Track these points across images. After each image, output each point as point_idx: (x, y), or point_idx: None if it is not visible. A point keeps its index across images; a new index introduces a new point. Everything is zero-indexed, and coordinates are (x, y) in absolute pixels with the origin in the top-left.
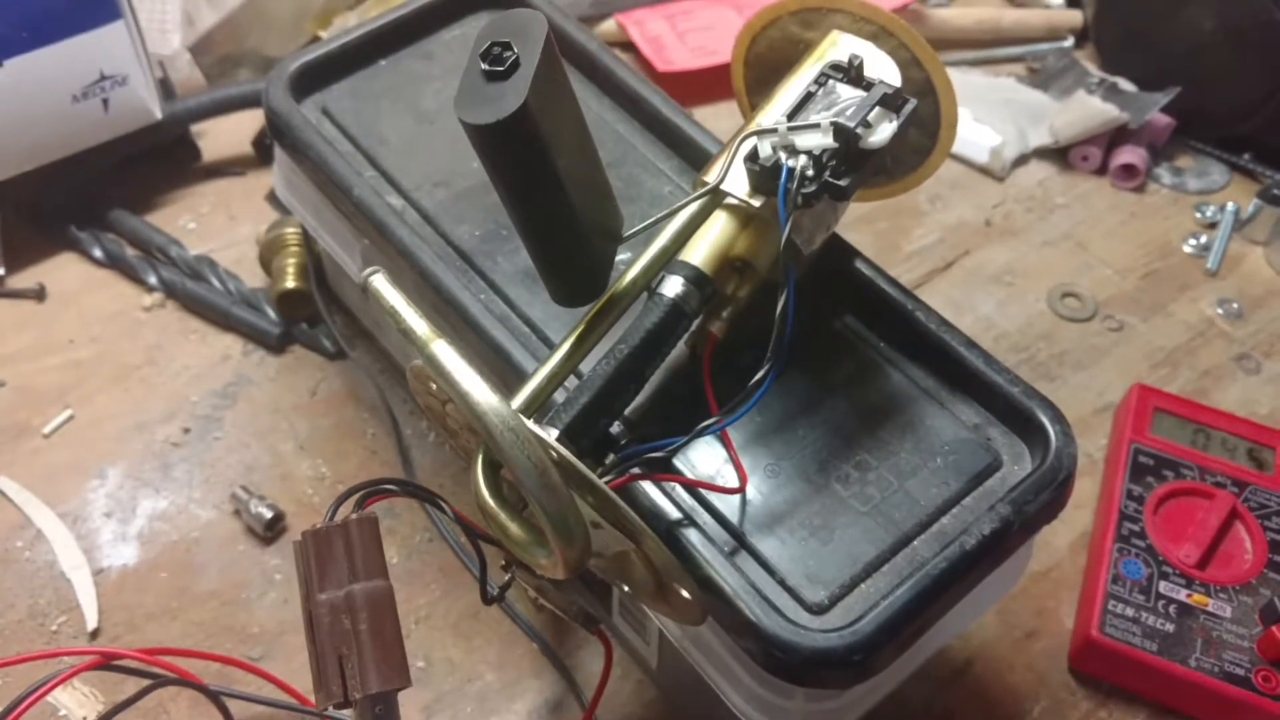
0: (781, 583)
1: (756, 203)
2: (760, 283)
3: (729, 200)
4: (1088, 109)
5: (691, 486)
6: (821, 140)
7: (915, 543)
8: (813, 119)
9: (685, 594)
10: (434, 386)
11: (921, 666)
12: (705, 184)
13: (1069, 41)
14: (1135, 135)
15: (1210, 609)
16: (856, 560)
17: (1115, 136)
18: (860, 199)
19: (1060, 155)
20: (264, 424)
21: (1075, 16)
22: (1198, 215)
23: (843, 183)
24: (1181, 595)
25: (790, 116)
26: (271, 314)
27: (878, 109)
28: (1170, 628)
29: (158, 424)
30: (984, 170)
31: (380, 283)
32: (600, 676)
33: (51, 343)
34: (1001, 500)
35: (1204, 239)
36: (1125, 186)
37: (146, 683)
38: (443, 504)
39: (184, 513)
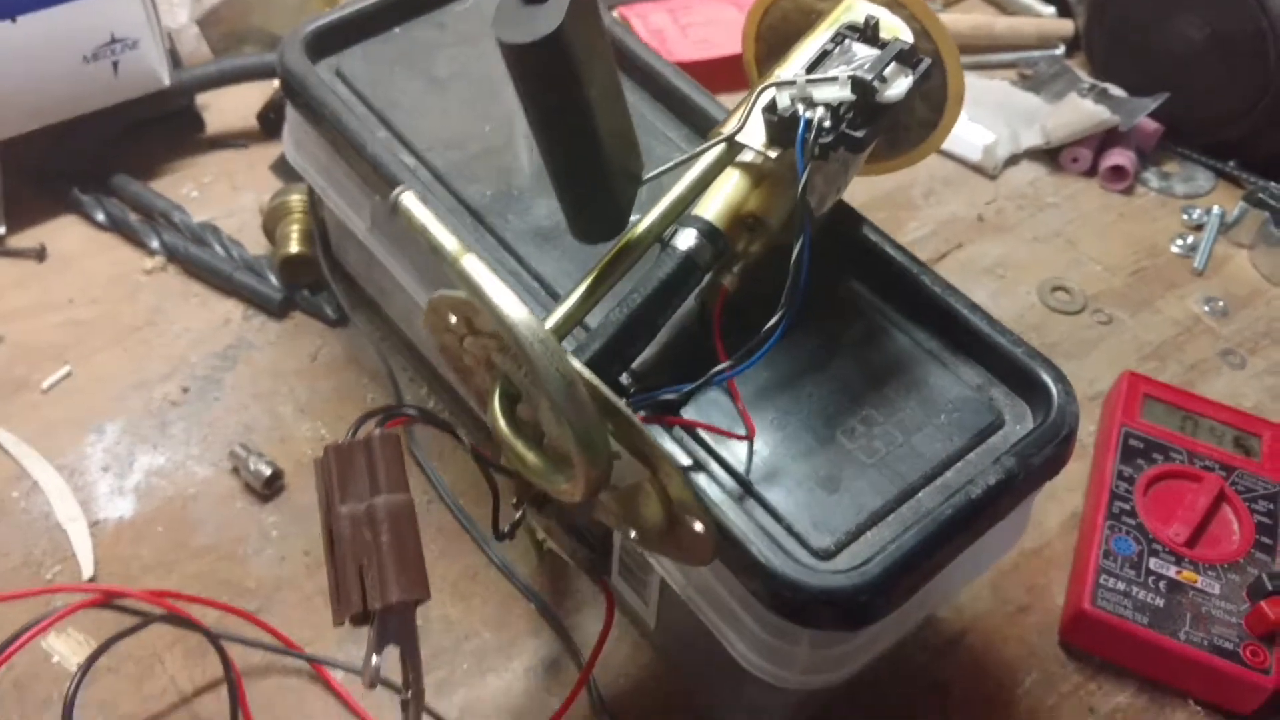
0: (788, 529)
1: (773, 154)
2: (771, 241)
3: (744, 157)
4: (1080, 111)
5: (701, 432)
6: (839, 93)
7: (920, 495)
8: (831, 73)
9: (698, 527)
10: (452, 321)
11: (917, 635)
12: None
13: (1060, 50)
14: (1124, 139)
15: (1199, 586)
16: (862, 509)
17: (1105, 140)
18: (866, 172)
19: (1051, 156)
20: (264, 387)
21: (1066, 25)
22: (1184, 217)
23: (859, 134)
24: (1171, 572)
25: (808, 72)
26: (273, 280)
27: (894, 64)
28: (1160, 602)
29: (156, 383)
30: (976, 168)
31: (410, 200)
32: (601, 631)
33: (51, 302)
34: (1006, 453)
35: (1191, 240)
36: (1114, 188)
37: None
38: (460, 434)
39: (181, 469)
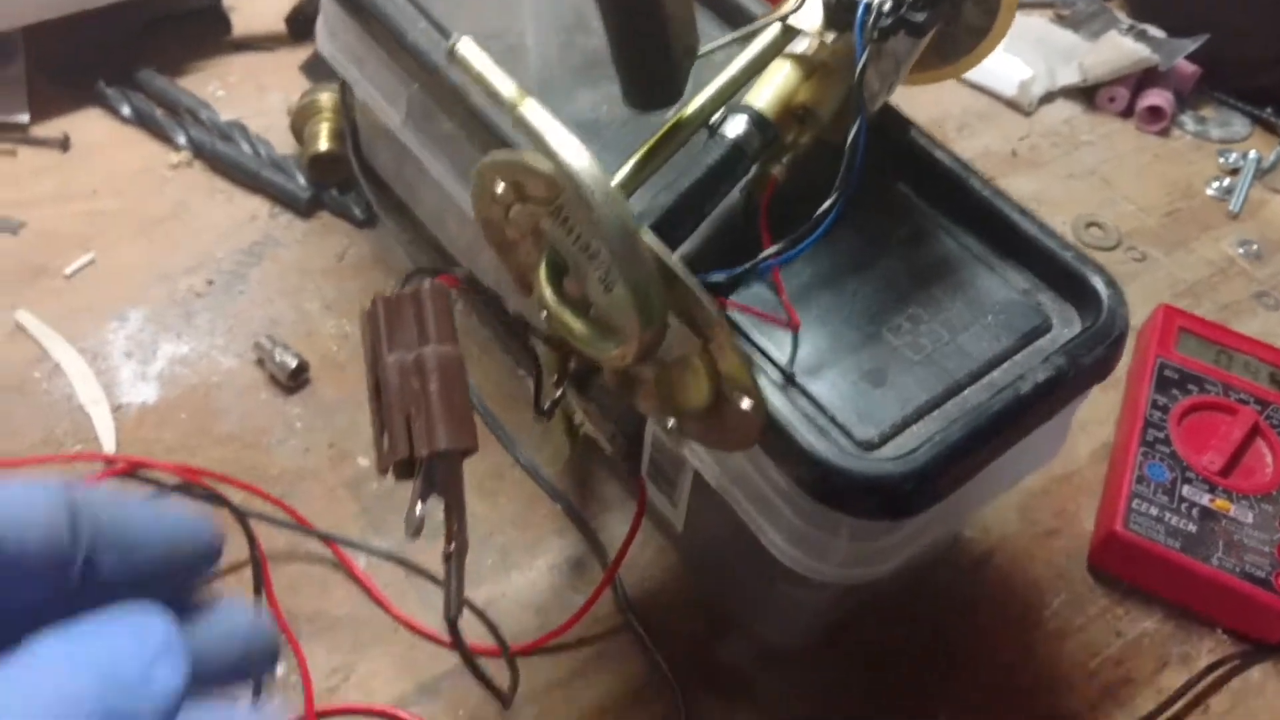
0: (833, 420)
1: (829, 39)
2: (821, 134)
3: (796, 48)
4: (1119, 49)
5: (745, 323)
6: None
7: (966, 391)
8: None
9: (745, 404)
10: (499, 190)
11: (945, 554)
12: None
13: None
14: (1162, 80)
15: (1232, 514)
16: (908, 403)
17: (1142, 80)
18: (913, 81)
19: (1087, 95)
20: (290, 283)
21: None
22: (1220, 161)
23: (920, 17)
24: (1204, 500)
25: None
26: (300, 179)
27: None
28: (1193, 528)
29: (181, 275)
30: (1011, 104)
31: (468, 46)
32: (630, 526)
33: (74, 191)
34: (1056, 353)
35: (1226, 183)
36: (1150, 129)
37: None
38: (504, 302)
39: (205, 359)
